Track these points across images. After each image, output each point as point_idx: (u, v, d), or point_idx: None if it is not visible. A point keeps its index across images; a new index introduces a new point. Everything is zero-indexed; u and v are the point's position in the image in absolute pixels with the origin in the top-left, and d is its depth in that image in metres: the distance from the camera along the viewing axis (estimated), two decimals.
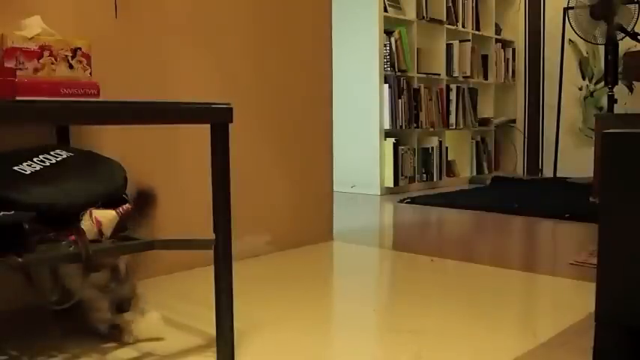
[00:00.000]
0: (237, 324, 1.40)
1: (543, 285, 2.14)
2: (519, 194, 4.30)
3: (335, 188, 2.83)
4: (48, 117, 1.17)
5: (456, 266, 2.37)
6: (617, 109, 4.56)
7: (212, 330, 1.40)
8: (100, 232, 1.32)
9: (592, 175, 4.00)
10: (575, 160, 5.29)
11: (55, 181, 1.34)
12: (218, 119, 1.35)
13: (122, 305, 1.60)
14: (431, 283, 2.11)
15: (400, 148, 4.55)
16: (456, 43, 5.07)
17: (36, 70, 1.42)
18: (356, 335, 1.62)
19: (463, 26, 5.19)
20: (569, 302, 1.89)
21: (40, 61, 1.43)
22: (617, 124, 3.62)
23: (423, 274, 2.26)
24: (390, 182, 4.50)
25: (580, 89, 5.44)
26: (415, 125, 4.70)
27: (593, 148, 4.32)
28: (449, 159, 5.17)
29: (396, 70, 4.54)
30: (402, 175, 4.57)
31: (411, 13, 4.67)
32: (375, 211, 3.85)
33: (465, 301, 1.89)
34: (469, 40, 5.19)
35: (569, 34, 5.06)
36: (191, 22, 2.20)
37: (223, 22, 2.30)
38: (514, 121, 5.78)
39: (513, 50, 5.77)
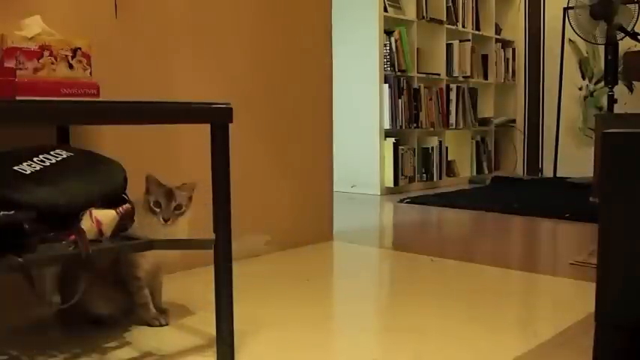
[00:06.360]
0: (237, 324, 1.40)
1: (543, 285, 2.14)
2: (519, 194, 4.29)
3: (335, 188, 2.83)
4: (48, 117, 1.17)
5: (456, 266, 2.37)
6: (617, 109, 4.56)
7: (212, 330, 1.40)
8: (100, 232, 1.32)
9: (592, 175, 4.00)
10: (575, 160, 5.29)
11: (55, 181, 1.33)
12: (218, 119, 1.35)
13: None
14: (431, 283, 2.11)
15: (400, 148, 4.55)
16: (456, 43, 5.07)
17: (36, 70, 1.42)
18: (356, 335, 1.62)
19: (463, 26, 5.19)
20: (569, 302, 1.89)
21: (40, 61, 1.43)
22: (617, 124, 3.61)
23: (423, 274, 2.26)
24: (390, 182, 4.50)
25: (580, 89, 5.44)
26: (415, 125, 4.70)
27: (593, 148, 4.33)
28: (449, 159, 5.17)
29: (396, 70, 4.54)
30: (402, 175, 4.57)
31: (411, 13, 4.67)
32: (375, 211, 3.85)
33: (465, 301, 1.89)
34: (469, 40, 5.19)
35: (569, 34, 5.06)
36: (191, 22, 2.20)
37: (223, 22, 2.30)
38: (514, 121, 5.78)
39: (513, 50, 5.76)
